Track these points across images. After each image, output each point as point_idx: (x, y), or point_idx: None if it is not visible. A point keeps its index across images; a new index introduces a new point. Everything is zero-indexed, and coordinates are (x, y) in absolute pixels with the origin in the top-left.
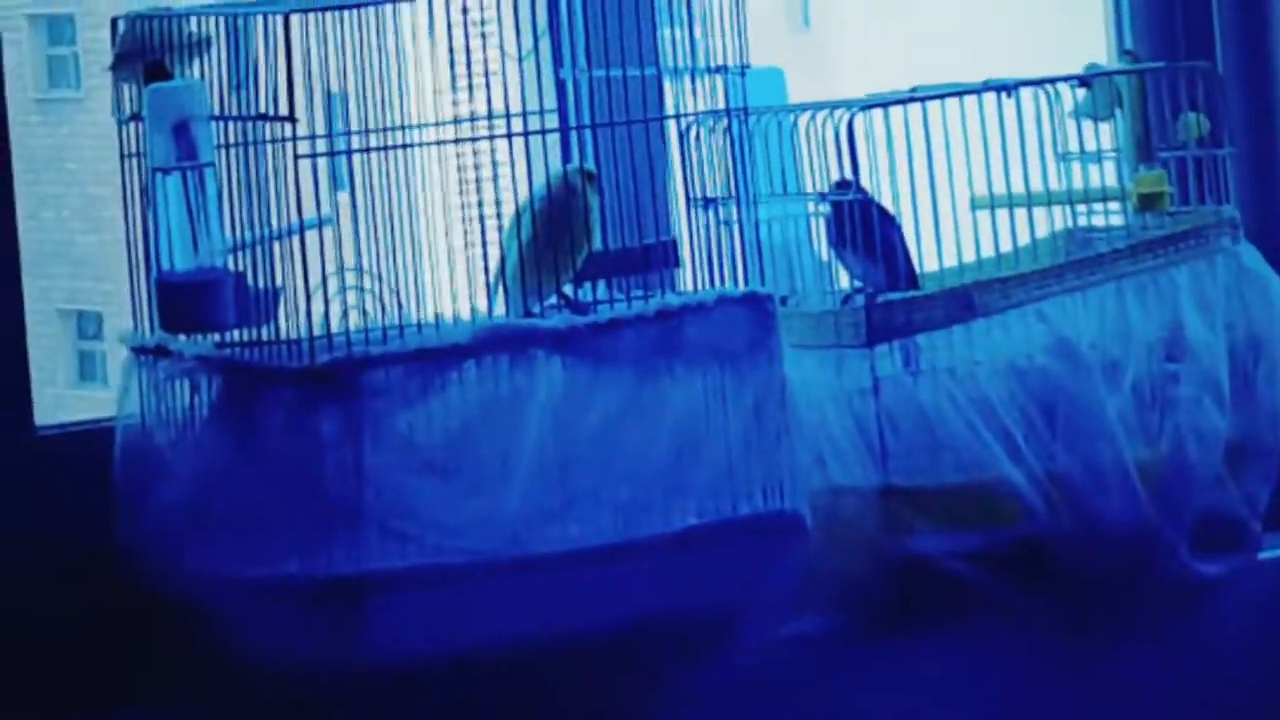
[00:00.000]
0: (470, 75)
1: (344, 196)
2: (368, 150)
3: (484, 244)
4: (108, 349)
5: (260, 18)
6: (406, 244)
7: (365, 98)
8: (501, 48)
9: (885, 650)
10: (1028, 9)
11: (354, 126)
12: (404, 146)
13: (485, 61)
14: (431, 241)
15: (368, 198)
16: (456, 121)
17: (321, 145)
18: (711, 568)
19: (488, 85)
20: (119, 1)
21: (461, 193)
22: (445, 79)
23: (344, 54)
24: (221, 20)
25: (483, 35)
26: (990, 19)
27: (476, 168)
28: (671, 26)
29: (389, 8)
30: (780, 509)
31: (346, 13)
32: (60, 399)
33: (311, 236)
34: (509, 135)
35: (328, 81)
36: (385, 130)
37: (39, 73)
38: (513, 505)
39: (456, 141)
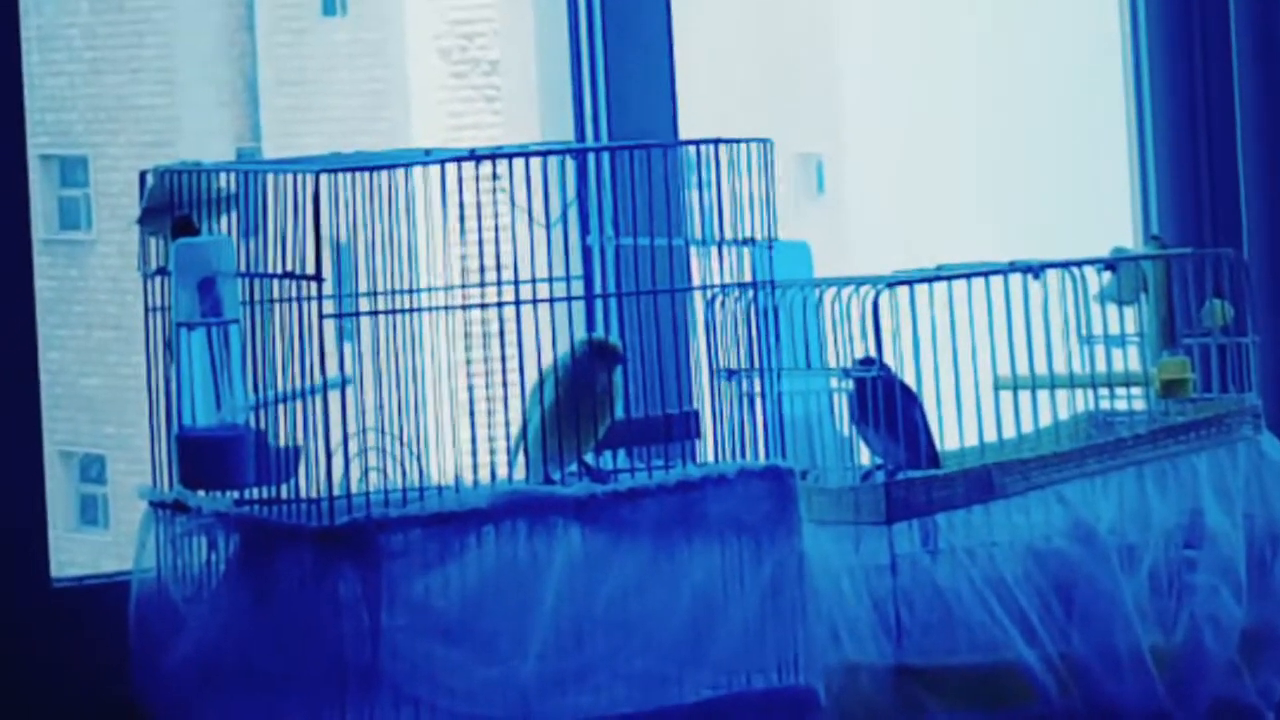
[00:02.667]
0: (498, 240)
1: (364, 356)
2: (394, 312)
3: (505, 403)
4: (109, 493)
5: (290, 176)
6: (425, 403)
7: (389, 258)
8: (530, 214)
9: None
10: (1054, 190)
11: (378, 286)
12: (432, 309)
13: (513, 226)
14: (453, 402)
15: (389, 358)
16: (482, 285)
17: (348, 306)
18: None
19: (514, 249)
20: (132, 146)
21: (485, 349)
22: (472, 242)
23: (370, 213)
24: (247, 176)
25: (511, 200)
26: (1017, 197)
27: (500, 322)
28: (700, 197)
29: (418, 169)
30: (795, 684)
31: (374, 174)
32: (60, 541)
33: (333, 396)
34: (535, 301)
35: (337, 235)
36: (411, 292)
37: (50, 213)
38: (527, 673)
39: (483, 306)
